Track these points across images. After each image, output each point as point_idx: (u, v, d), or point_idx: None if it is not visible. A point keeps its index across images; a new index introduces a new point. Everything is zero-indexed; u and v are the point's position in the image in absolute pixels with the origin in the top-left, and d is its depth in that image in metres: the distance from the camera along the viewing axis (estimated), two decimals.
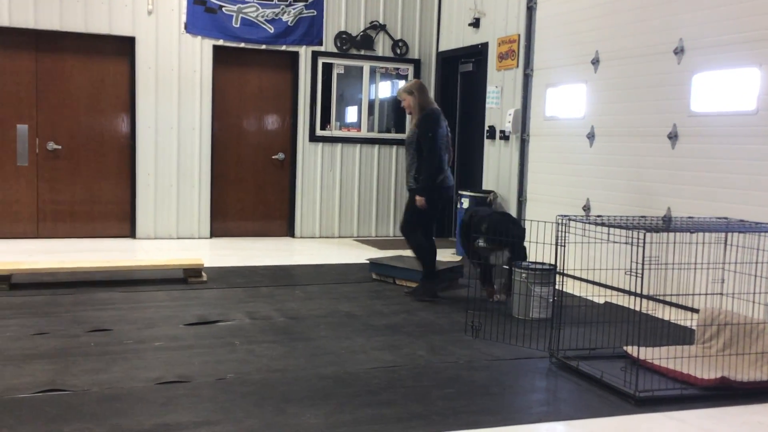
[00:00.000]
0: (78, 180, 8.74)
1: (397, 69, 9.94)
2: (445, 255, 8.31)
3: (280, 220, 9.68)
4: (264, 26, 9.11)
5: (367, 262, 7.10)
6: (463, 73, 9.88)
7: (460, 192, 8.68)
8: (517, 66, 8.28)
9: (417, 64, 9.95)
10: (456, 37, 9.57)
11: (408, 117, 7.24)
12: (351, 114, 10.01)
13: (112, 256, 7.68)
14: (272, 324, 5.13)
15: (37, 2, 8.20)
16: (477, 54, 9.22)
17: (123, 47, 8.69)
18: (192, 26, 8.81)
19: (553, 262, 4.85)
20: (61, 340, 4.51)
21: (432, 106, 6.13)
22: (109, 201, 8.90)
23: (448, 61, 9.90)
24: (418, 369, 4.25)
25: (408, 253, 6.69)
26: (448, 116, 10.07)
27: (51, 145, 8.58)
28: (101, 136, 8.82)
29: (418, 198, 5.98)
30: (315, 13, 9.32)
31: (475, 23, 9.04)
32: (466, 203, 8.43)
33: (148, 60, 8.72)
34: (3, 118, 8.37)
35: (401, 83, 9.99)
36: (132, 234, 8.94)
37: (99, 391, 3.65)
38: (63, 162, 8.68)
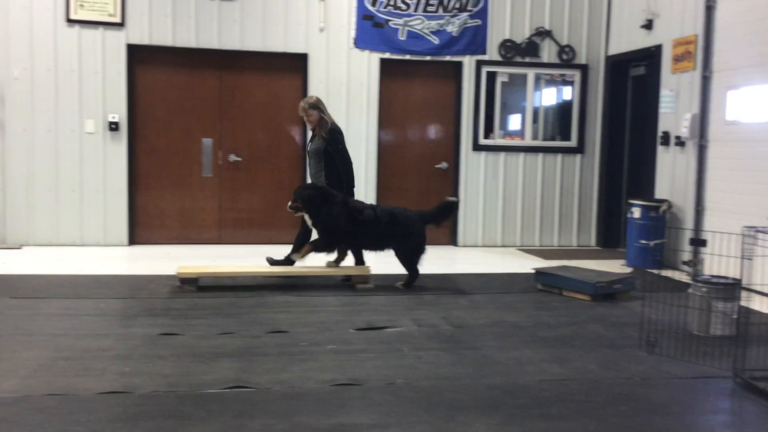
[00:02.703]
0: (256, 190, 9.30)
1: (563, 75, 9.73)
2: (614, 266, 8.01)
3: (443, 229, 9.74)
4: (429, 38, 9.25)
5: (533, 271, 6.99)
6: (633, 77, 9.50)
7: (630, 201, 8.34)
8: (695, 68, 7.85)
9: (584, 69, 9.69)
10: (627, 40, 9.22)
11: (310, 130, 7.28)
12: (514, 122, 9.91)
13: None
14: (438, 332, 5.19)
15: (221, 25, 8.84)
16: (649, 57, 8.83)
17: (296, 63, 9.16)
18: (360, 41, 9.13)
19: (737, 277, 4.54)
20: (244, 340, 4.82)
21: (333, 121, 6.82)
22: (283, 209, 9.35)
23: (618, 65, 9.56)
24: (590, 384, 4.13)
25: (574, 263, 6.52)
26: (617, 122, 9.79)
27: (232, 157, 9.19)
28: (277, 148, 9.33)
29: None
30: (479, 23, 9.34)
31: (648, 25, 8.67)
32: (637, 213, 8.09)
33: (319, 75, 9.13)
34: (190, 132, 9.08)
35: (567, 90, 9.79)
36: None
37: (280, 390, 3.86)
38: (242, 173, 9.27)
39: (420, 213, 6.88)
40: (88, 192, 8.68)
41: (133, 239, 8.95)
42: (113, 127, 8.65)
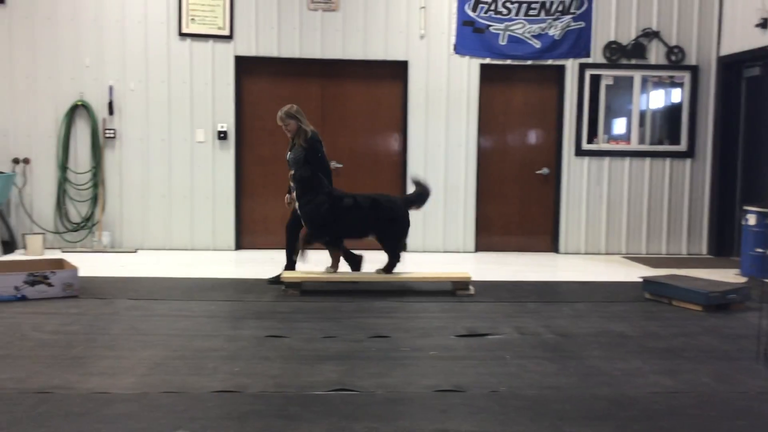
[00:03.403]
0: None
1: (672, 77, 9.38)
2: (728, 275, 7.65)
3: (544, 235, 9.60)
4: (530, 42, 9.14)
5: (639, 280, 6.77)
6: (748, 78, 9.05)
7: (745, 208, 7.94)
8: None
9: (694, 70, 9.31)
10: (740, 39, 8.81)
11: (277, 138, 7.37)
12: (619, 126, 9.64)
13: None
14: (542, 340, 5.10)
15: (324, 35, 9.04)
16: (765, 57, 8.39)
17: (397, 71, 9.24)
18: (461, 47, 9.12)
19: None
20: (347, 344, 4.89)
21: (313, 129, 6.87)
22: None
23: (730, 66, 9.13)
24: (703, 397, 3.96)
25: (684, 272, 6.27)
26: (730, 124, 9.35)
27: (333, 164, 9.35)
28: (376, 154, 9.44)
29: None
30: (583, 25, 9.15)
31: (763, 24, 8.26)
32: (752, 220, 7.70)
33: (419, 81, 9.18)
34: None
35: (676, 92, 9.44)
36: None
37: (383, 394, 3.90)
38: (343, 179, 9.40)
39: (404, 198, 6.99)
40: (198, 198, 9.05)
41: (240, 244, 9.26)
42: (222, 136, 8.99)
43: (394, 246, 6.75)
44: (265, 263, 8.20)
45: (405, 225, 6.76)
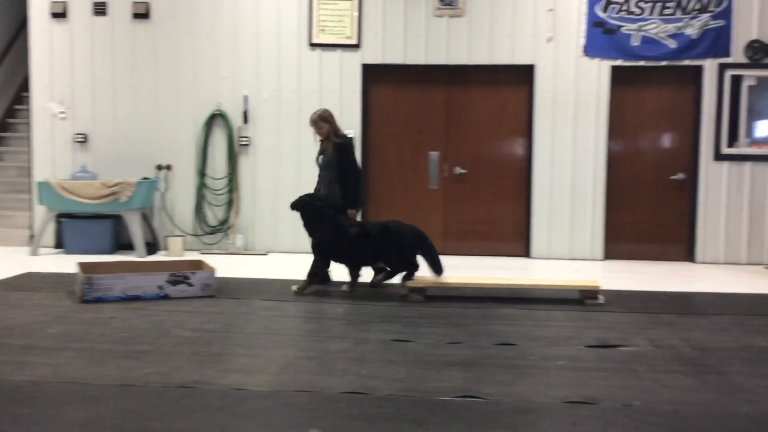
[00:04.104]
0: (479, 201, 9.39)
1: None
2: None
3: (678, 244, 9.17)
4: (665, 42, 8.77)
5: None
6: None
7: None
8: None
9: None
10: None
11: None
12: (763, 129, 9.06)
13: (510, 274, 8.07)
14: (677, 354, 4.88)
15: (449, 41, 9.06)
16: None
17: (523, 75, 9.12)
18: (590, 49, 8.88)
19: None
20: (472, 350, 4.87)
21: (344, 133, 7.00)
22: (506, 221, 9.38)
23: None
24: None
25: None
26: None
27: (457, 170, 9.36)
28: (501, 159, 9.35)
29: (351, 211, 6.83)
30: (723, 23, 8.68)
31: None
32: None
33: (546, 85, 9.02)
34: (418, 145, 9.40)
35: None
36: (527, 253, 9.28)
37: (510, 403, 3.86)
38: (467, 185, 9.40)
39: (413, 228, 6.78)
40: None
41: None
42: None
43: (399, 269, 6.72)
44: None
45: (407, 254, 6.64)
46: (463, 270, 8.18)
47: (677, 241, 9.16)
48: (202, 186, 9.40)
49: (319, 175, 7.09)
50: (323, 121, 6.90)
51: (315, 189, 7.09)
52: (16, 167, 10.64)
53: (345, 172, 6.87)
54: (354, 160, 7.00)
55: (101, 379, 4.14)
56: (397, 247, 6.61)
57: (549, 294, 6.73)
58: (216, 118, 9.34)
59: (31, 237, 9.30)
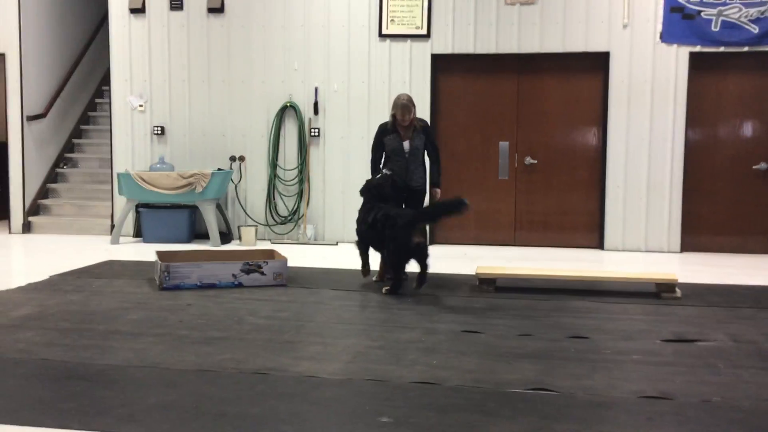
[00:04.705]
0: (551, 192, 9.25)
1: None
2: None
3: (762, 236, 8.83)
4: (747, 27, 8.43)
5: None
6: None
7: None
8: None
9: None
10: None
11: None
12: None
13: (582, 266, 7.93)
14: (760, 349, 4.71)
15: (521, 29, 8.93)
16: None
17: (597, 63, 8.92)
18: (668, 35, 8.61)
19: None
20: (544, 343, 4.82)
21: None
22: (578, 212, 9.22)
23: None
24: None
25: None
26: None
27: (528, 160, 9.24)
28: (573, 150, 9.18)
29: (437, 190, 6.99)
30: None
31: None
32: None
33: (621, 73, 8.80)
34: (488, 135, 9.31)
35: None
36: (600, 245, 9.10)
37: (583, 396, 3.80)
38: (538, 175, 9.27)
39: (412, 212, 6.48)
40: None
41: (431, 239, 9.41)
42: None
43: (393, 265, 6.30)
44: (457, 259, 8.27)
45: (398, 244, 6.16)
46: (534, 261, 8.10)
47: (760, 233, 8.82)
48: (273, 177, 9.56)
49: (394, 162, 6.83)
50: (413, 106, 6.83)
51: (382, 176, 6.79)
52: (97, 159, 11.07)
53: (434, 153, 6.98)
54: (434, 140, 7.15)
55: (179, 364, 4.27)
56: (390, 237, 6.23)
57: (623, 287, 6.58)
58: (287, 110, 9.48)
59: (112, 226, 9.66)
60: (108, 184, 10.31)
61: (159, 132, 9.73)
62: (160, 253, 6.79)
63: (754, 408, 3.65)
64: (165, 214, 9.39)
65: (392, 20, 9.12)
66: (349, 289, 6.48)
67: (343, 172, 9.44)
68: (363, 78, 9.30)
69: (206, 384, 3.94)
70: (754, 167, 8.76)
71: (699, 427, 3.40)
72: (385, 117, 9.24)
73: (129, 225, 9.76)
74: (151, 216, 9.39)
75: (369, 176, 7.01)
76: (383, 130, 6.94)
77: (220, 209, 9.52)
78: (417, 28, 9.09)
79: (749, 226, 8.84)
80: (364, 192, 6.76)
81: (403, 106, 6.72)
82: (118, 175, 9.31)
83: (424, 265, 6.31)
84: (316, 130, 9.43)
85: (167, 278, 6.35)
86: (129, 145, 9.86)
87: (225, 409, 3.57)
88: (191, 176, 9.07)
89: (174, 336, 4.90)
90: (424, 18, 9.05)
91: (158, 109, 9.76)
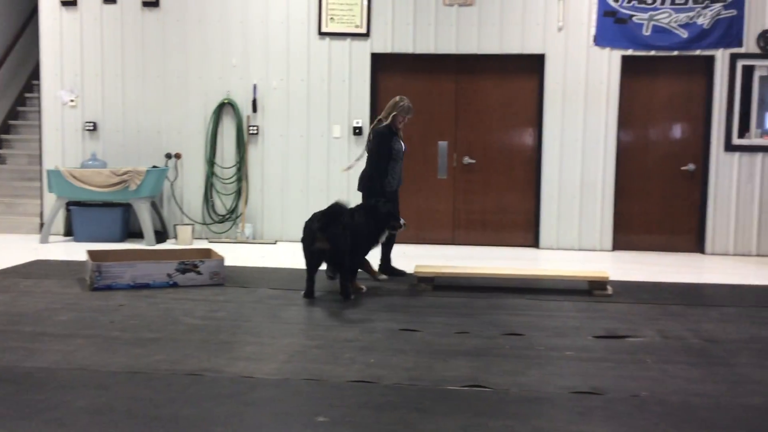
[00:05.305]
0: (489, 191, 9.37)
1: None
2: None
3: (688, 235, 9.13)
4: (677, 32, 8.70)
5: None
6: None
7: None
8: None
9: None
10: None
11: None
12: None
13: (518, 264, 8.06)
14: (686, 345, 4.87)
15: (459, 30, 9.02)
16: None
17: (532, 64, 9.08)
18: (601, 38, 8.83)
19: None
20: (480, 340, 4.88)
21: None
22: (515, 211, 9.36)
23: None
24: None
25: None
26: None
27: (466, 160, 9.34)
28: (510, 149, 9.32)
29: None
30: (735, 13, 8.60)
31: None
32: None
33: (555, 75, 8.97)
34: (427, 135, 9.37)
35: None
36: (536, 244, 9.26)
37: (517, 392, 3.86)
38: (476, 175, 9.38)
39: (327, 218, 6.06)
40: (334, 192, 9.27)
41: None
42: (357, 131, 9.19)
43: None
44: (397, 258, 8.28)
45: (304, 245, 6.11)
46: (472, 260, 8.19)
47: (687, 232, 9.12)
48: (211, 175, 9.41)
49: (398, 165, 6.88)
50: None
51: (387, 183, 6.81)
52: (26, 155, 10.69)
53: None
54: None
55: (110, 366, 4.17)
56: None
57: (557, 285, 6.71)
58: (225, 107, 9.35)
59: (41, 225, 9.35)
60: (37, 181, 9.98)
61: (91, 128, 9.46)
62: (91, 253, 6.60)
63: (681, 402, 3.77)
64: (97, 212, 9.14)
65: (332, 18, 9.09)
66: (287, 288, 6.43)
67: (282, 171, 9.36)
68: (302, 76, 9.24)
69: (138, 386, 3.85)
70: (682, 168, 9.06)
71: (629, 421, 3.49)
72: (324, 115, 9.25)
73: (59, 223, 9.46)
74: (82, 214, 9.13)
75: (368, 181, 6.79)
76: (388, 134, 6.82)
77: (156, 207, 9.33)
78: (356, 27, 9.08)
79: (678, 226, 9.13)
80: (370, 210, 6.44)
81: (411, 108, 6.91)
82: (48, 171, 9.02)
83: (340, 275, 6.07)
84: (255, 128, 9.33)
85: (98, 278, 6.19)
86: (59, 141, 9.56)
87: (158, 411, 3.50)
88: (125, 173, 8.85)
89: (105, 337, 4.77)
90: (364, 17, 9.05)
91: (90, 104, 9.50)
